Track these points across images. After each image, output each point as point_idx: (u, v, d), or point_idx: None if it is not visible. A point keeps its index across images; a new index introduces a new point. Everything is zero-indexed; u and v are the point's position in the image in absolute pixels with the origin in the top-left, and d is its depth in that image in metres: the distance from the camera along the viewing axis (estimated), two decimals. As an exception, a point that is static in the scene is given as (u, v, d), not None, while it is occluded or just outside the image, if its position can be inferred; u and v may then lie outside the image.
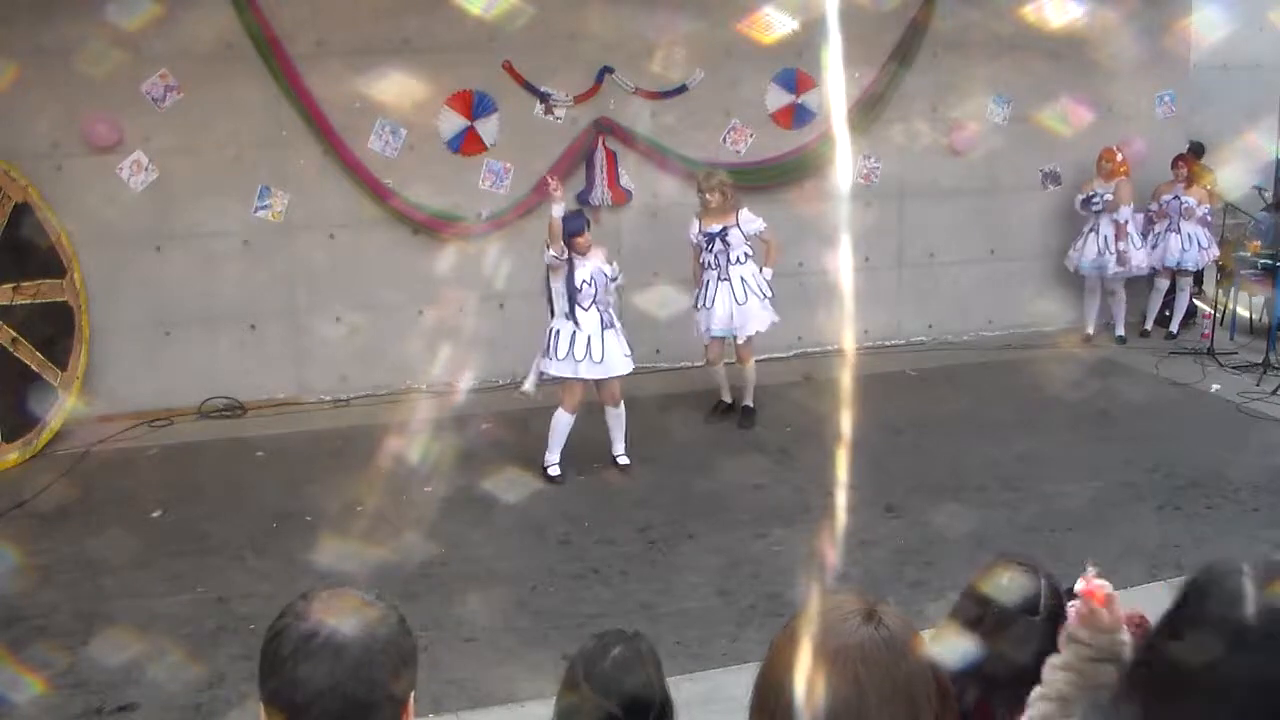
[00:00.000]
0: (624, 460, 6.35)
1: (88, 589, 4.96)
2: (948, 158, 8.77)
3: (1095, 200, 8.47)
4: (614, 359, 6.11)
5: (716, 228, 6.81)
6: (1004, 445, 6.61)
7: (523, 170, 7.78)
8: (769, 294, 6.94)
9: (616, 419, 6.34)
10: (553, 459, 6.22)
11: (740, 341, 6.95)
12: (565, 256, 5.99)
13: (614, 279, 6.25)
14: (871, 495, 5.77)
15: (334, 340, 7.69)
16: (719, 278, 6.86)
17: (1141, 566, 5.08)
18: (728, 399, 7.22)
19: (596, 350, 6.04)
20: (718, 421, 7.14)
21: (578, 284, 6.02)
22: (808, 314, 7.99)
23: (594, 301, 6.06)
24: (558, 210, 5.98)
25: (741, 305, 6.85)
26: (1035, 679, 2.24)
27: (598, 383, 6.18)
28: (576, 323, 6.04)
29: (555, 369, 6.10)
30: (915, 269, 8.90)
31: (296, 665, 1.34)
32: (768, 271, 6.95)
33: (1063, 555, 5.18)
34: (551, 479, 6.16)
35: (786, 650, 1.21)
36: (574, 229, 6.02)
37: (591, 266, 6.06)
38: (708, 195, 6.75)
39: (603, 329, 6.08)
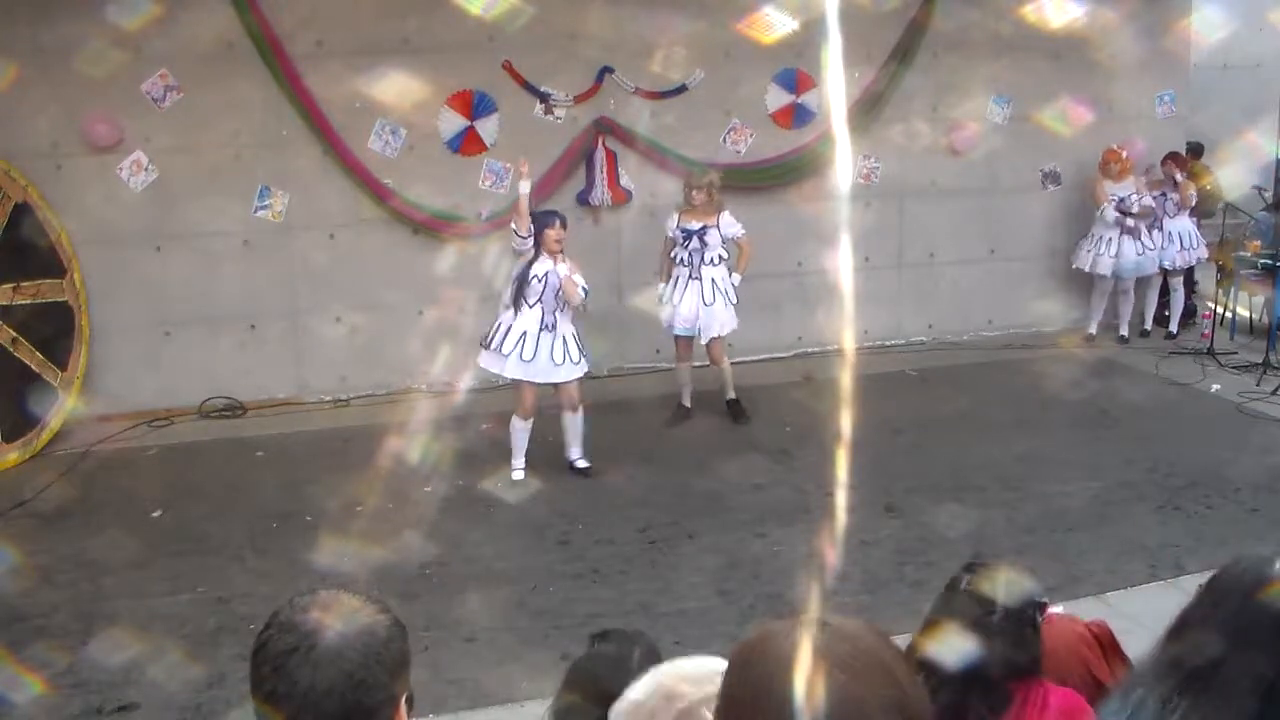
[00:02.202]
0: (582, 464, 6.28)
1: (88, 589, 4.97)
2: (948, 158, 8.77)
3: (1129, 201, 8.47)
4: (545, 363, 6.00)
5: (696, 225, 6.83)
6: (1004, 445, 6.61)
7: (523, 170, 7.78)
8: (734, 300, 6.97)
9: (573, 423, 6.25)
10: (516, 463, 6.21)
11: (703, 342, 6.97)
12: (530, 245, 5.97)
13: (584, 290, 6.10)
14: (871, 495, 5.77)
15: (334, 340, 7.69)
16: (690, 276, 6.88)
17: (1141, 566, 5.08)
18: (688, 403, 7.22)
19: (529, 349, 5.97)
20: (678, 425, 7.10)
21: (529, 276, 5.98)
22: (808, 314, 7.99)
23: (539, 300, 6.00)
24: (524, 187, 5.98)
25: (708, 306, 6.86)
26: (1011, 677, 2.22)
27: (555, 386, 6.13)
28: (515, 315, 6.02)
29: (484, 360, 6.10)
30: (915, 269, 8.90)
31: (286, 668, 1.34)
32: (736, 277, 6.98)
33: (1063, 555, 5.20)
34: (514, 483, 6.14)
35: (748, 674, 1.16)
36: (543, 223, 6.01)
37: (550, 266, 5.98)
38: (695, 192, 6.78)
39: (540, 329, 5.99)
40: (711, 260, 6.87)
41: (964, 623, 2.23)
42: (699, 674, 1.53)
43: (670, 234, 6.93)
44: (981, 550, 2.54)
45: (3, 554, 5.17)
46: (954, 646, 2.19)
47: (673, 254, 6.96)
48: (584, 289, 6.09)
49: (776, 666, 1.12)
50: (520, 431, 6.17)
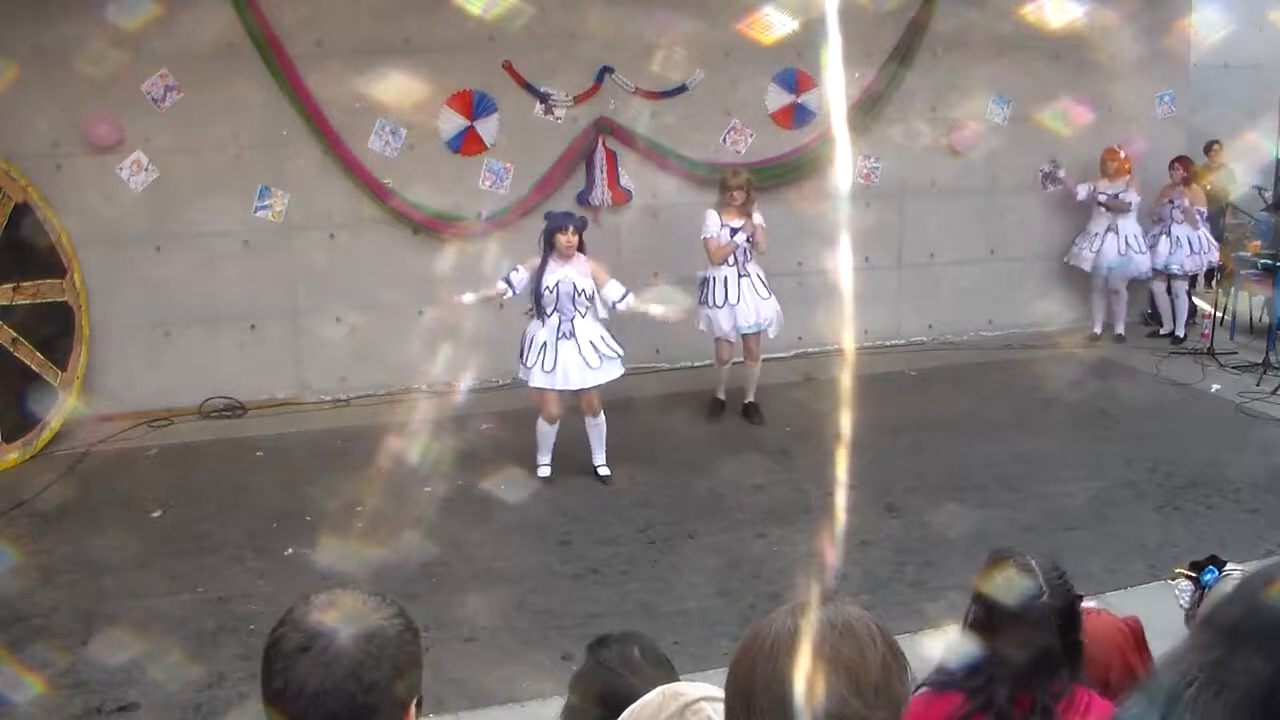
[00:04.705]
0: (604, 471, 6.24)
1: (88, 589, 4.96)
2: (948, 158, 8.77)
3: (1103, 196, 8.54)
4: (570, 370, 5.93)
5: (738, 223, 6.79)
6: (1004, 445, 6.61)
7: (523, 170, 7.78)
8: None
9: (595, 429, 6.22)
10: (543, 460, 6.21)
11: (771, 336, 7.00)
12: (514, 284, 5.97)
13: (622, 297, 6.00)
14: (871, 495, 5.77)
15: (334, 340, 7.68)
16: (739, 274, 6.85)
17: (1141, 566, 5.08)
18: (723, 396, 7.22)
19: (549, 359, 5.93)
20: (718, 420, 7.13)
21: (541, 288, 5.91)
22: (808, 314, 7.99)
23: (555, 309, 5.94)
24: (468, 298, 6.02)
25: (766, 300, 6.89)
26: (1062, 660, 2.25)
27: (575, 391, 6.08)
28: (540, 325, 5.98)
29: (521, 373, 6.09)
30: (915, 269, 8.90)
31: (297, 667, 1.34)
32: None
33: (1063, 555, 5.15)
34: (542, 479, 6.15)
35: (750, 662, 1.24)
36: (556, 225, 5.93)
37: (561, 274, 5.91)
38: (735, 192, 6.73)
39: (558, 338, 5.93)
40: (752, 256, 6.88)
41: (1015, 611, 2.24)
42: (700, 685, 1.65)
43: (714, 234, 6.80)
44: (1004, 546, 2.54)
45: (3, 554, 5.17)
46: (1029, 635, 2.21)
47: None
48: (615, 302, 6.00)
49: (773, 642, 1.22)
50: (547, 434, 6.16)
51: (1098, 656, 2.61)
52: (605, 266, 6.16)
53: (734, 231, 6.79)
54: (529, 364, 5.98)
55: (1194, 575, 2.69)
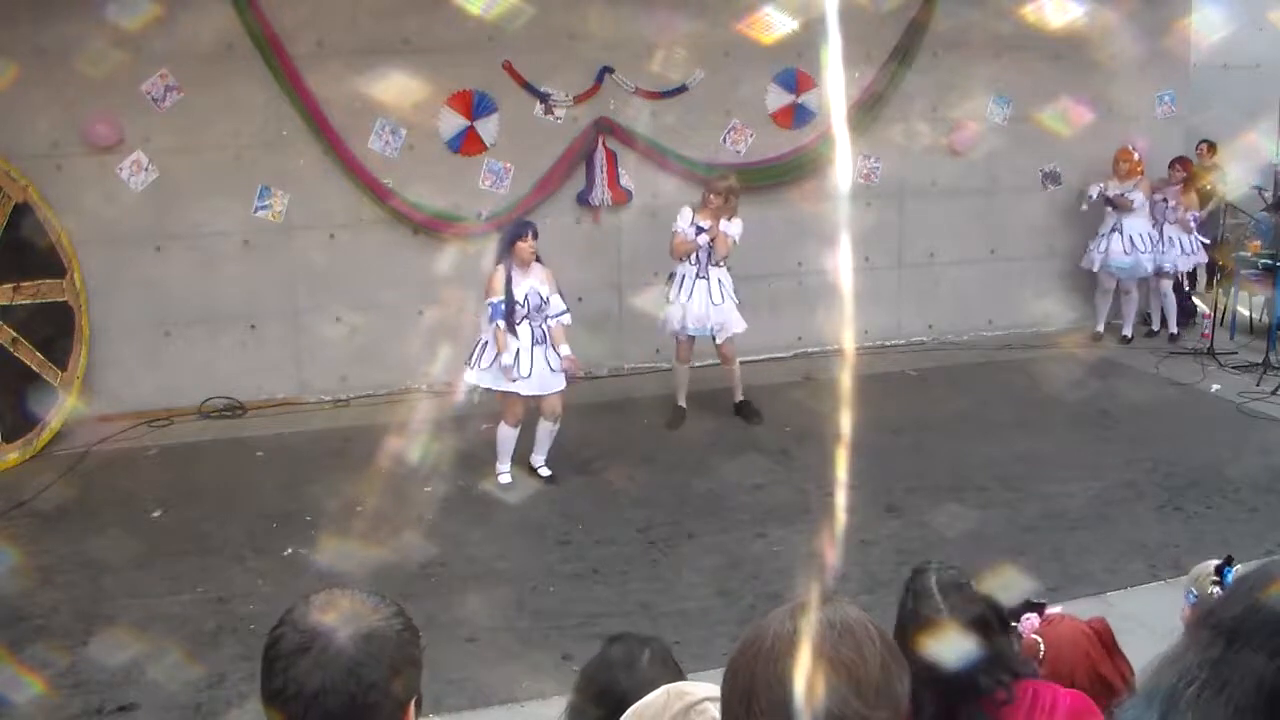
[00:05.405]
0: (545, 471, 6.23)
1: (88, 589, 4.96)
2: (948, 158, 8.77)
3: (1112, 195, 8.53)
4: (543, 375, 5.97)
5: (707, 224, 6.80)
6: (1004, 445, 6.61)
7: (523, 170, 7.78)
8: (738, 300, 6.97)
9: (547, 433, 6.21)
10: (503, 468, 6.18)
11: (719, 342, 6.97)
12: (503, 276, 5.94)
13: (559, 314, 6.05)
14: (871, 495, 5.77)
15: (334, 340, 7.68)
16: (697, 275, 6.86)
17: (1141, 566, 5.09)
18: (683, 403, 7.19)
19: (524, 365, 5.93)
20: (678, 426, 7.06)
21: (513, 301, 5.90)
22: (808, 314, 7.99)
23: (525, 318, 5.95)
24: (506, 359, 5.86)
25: (718, 306, 6.86)
26: (984, 670, 2.21)
27: (536, 396, 6.07)
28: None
29: (480, 379, 6.04)
30: (915, 269, 8.90)
31: (296, 667, 1.34)
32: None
33: (1063, 555, 5.20)
34: (502, 486, 6.11)
35: (751, 661, 1.23)
36: (518, 233, 5.96)
37: (527, 284, 5.94)
38: (713, 196, 6.74)
39: (533, 344, 5.95)
40: (718, 261, 6.87)
41: (922, 629, 2.22)
42: (705, 685, 1.65)
43: (681, 230, 6.84)
44: (928, 559, 2.53)
45: (3, 554, 5.17)
46: (932, 652, 2.18)
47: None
48: (550, 316, 6.02)
49: (772, 642, 1.22)
50: (509, 439, 6.14)
51: (1059, 664, 2.58)
52: (554, 279, 6.11)
53: (699, 231, 6.80)
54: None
55: (1218, 580, 2.67)
